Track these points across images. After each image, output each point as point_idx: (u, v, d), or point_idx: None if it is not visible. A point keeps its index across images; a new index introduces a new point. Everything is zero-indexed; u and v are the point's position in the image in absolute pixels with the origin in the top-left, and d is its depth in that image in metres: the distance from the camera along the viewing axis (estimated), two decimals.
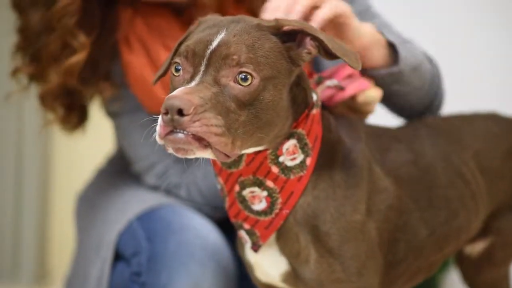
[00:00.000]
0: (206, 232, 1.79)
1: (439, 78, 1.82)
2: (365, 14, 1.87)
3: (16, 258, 3.41)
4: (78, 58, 1.77)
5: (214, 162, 1.43)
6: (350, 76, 1.59)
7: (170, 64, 1.43)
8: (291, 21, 1.36)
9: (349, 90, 1.58)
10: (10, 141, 3.38)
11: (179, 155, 1.27)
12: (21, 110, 3.29)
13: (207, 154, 1.27)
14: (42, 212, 3.45)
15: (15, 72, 1.89)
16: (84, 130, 2.02)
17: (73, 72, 1.79)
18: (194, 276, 1.71)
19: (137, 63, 1.86)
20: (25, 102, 3.20)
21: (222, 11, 1.80)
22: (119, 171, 2.10)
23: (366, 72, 1.62)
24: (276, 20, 1.35)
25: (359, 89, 1.59)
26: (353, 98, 1.60)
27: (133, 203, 1.88)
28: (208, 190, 1.86)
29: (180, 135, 1.23)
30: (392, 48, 1.66)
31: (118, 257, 1.83)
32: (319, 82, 1.55)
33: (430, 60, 1.82)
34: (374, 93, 1.63)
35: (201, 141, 1.24)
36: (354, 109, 1.63)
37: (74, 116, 1.96)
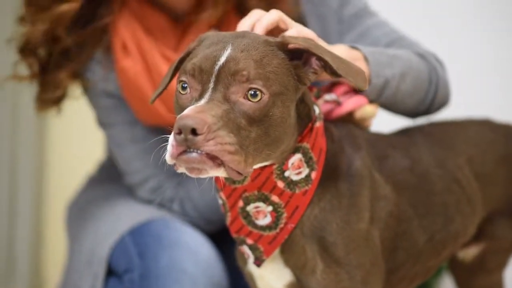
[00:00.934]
0: (199, 246, 1.78)
1: (438, 72, 1.79)
2: (362, 14, 1.89)
3: (11, 266, 3.37)
4: (70, 6, 1.73)
5: (216, 177, 1.41)
6: (347, 92, 1.60)
7: (170, 82, 1.43)
8: (298, 38, 1.35)
9: (347, 106, 1.59)
10: (4, 148, 3.34)
11: (193, 175, 1.25)
12: (15, 117, 3.26)
13: (220, 173, 1.25)
14: (37, 219, 3.43)
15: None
16: (59, 111, 1.94)
17: (63, 20, 1.74)
18: None
19: (132, 69, 1.82)
20: (19, 109, 3.18)
21: (223, 21, 1.80)
22: (110, 179, 2.07)
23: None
24: (283, 36, 1.35)
25: (356, 105, 1.60)
26: (350, 113, 1.61)
27: (125, 216, 1.86)
28: (204, 204, 1.85)
29: (194, 154, 1.22)
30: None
31: (109, 272, 1.81)
32: (317, 96, 1.56)
33: (424, 57, 1.79)
34: (371, 108, 1.64)
35: (215, 160, 1.23)
36: None
37: (48, 94, 1.87)
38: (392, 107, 1.71)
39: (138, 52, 1.83)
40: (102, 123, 1.95)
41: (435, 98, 1.77)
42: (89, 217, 1.96)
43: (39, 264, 3.45)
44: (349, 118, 1.62)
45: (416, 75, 1.70)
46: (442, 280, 2.75)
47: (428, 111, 1.79)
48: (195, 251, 1.75)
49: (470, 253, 1.86)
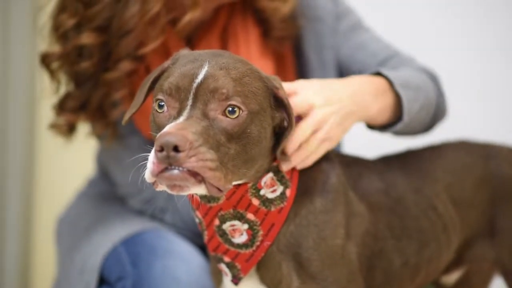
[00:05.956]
0: (191, 256, 1.80)
1: (444, 97, 1.84)
2: (357, 27, 1.93)
3: (0, 280, 3.35)
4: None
5: (192, 197, 1.42)
6: None
7: (144, 101, 1.43)
8: (285, 89, 1.40)
9: None
10: None
11: (174, 192, 1.26)
12: (4, 129, 3.24)
13: (201, 190, 1.26)
14: (26, 234, 3.40)
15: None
16: (70, 140, 1.95)
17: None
18: None
19: (137, 84, 1.81)
20: (8, 120, 3.17)
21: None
22: (101, 193, 2.09)
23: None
24: (275, 77, 1.39)
25: None
26: None
27: (117, 227, 1.88)
28: (189, 217, 1.86)
29: (176, 171, 1.23)
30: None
31: (102, 281, 1.83)
32: None
33: (434, 80, 1.85)
34: None
35: (196, 177, 1.23)
36: None
37: (64, 121, 1.89)
38: (400, 133, 1.74)
39: (143, 67, 1.83)
40: (99, 135, 1.94)
41: (437, 121, 1.83)
42: (80, 230, 1.98)
43: (28, 278, 3.42)
44: None
45: (430, 103, 1.74)
46: None
47: (426, 131, 1.83)
48: (187, 260, 1.77)
49: (452, 278, 1.87)
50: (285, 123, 1.39)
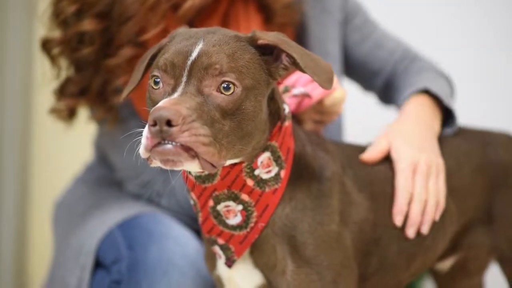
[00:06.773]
0: (187, 240, 1.80)
1: (451, 83, 1.94)
2: (370, 24, 2.00)
3: None
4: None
5: (187, 177, 1.43)
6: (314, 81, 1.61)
7: (142, 78, 1.44)
8: (268, 34, 1.37)
9: (316, 96, 1.59)
10: None
11: (167, 167, 1.26)
12: (0, 115, 3.24)
13: (194, 165, 1.26)
14: (21, 220, 3.41)
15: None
16: (70, 124, 1.95)
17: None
18: (174, 284, 1.72)
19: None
20: (4, 106, 3.18)
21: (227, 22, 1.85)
22: (98, 178, 2.09)
23: None
24: (254, 32, 1.37)
25: (325, 93, 1.61)
26: (320, 102, 1.62)
27: (114, 211, 1.88)
28: (185, 200, 1.86)
29: (169, 146, 1.23)
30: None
31: (97, 264, 1.83)
32: (285, 91, 1.57)
33: (441, 73, 1.94)
34: (340, 94, 1.65)
35: (189, 152, 1.23)
36: (323, 112, 1.65)
37: (65, 106, 1.88)
38: None
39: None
40: (98, 118, 1.94)
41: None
42: (77, 214, 1.98)
43: (24, 264, 3.42)
44: (319, 107, 1.63)
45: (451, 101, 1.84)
46: (424, 282, 2.75)
47: None
48: (183, 244, 1.77)
49: (446, 264, 1.87)
50: (285, 62, 1.38)
